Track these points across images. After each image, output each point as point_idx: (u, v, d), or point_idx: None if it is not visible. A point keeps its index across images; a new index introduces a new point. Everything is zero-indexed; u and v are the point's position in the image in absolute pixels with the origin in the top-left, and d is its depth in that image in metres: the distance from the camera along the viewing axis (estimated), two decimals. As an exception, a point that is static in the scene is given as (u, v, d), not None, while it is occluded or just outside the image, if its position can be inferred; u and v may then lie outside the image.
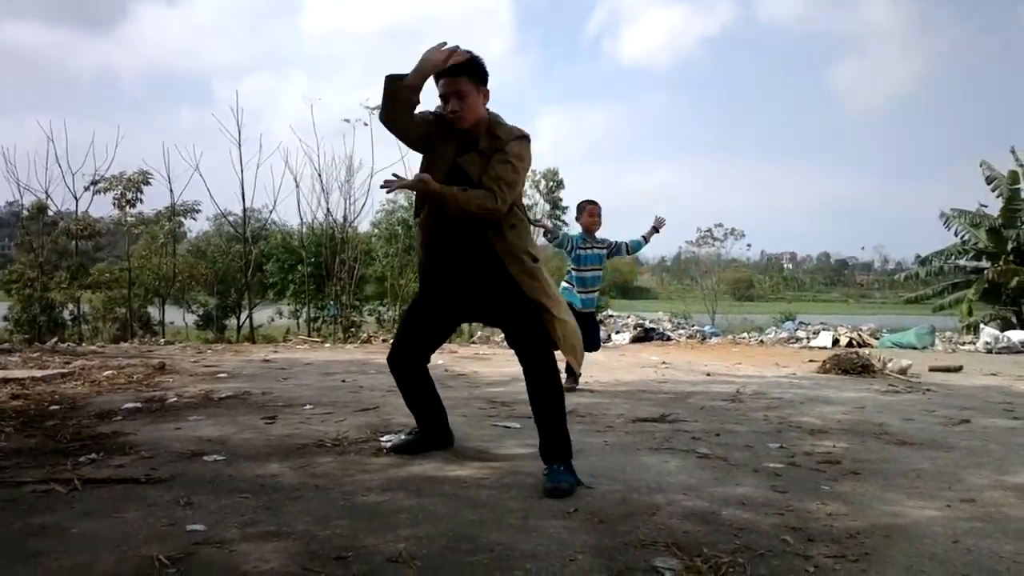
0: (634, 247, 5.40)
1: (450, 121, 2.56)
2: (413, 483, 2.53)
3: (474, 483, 2.54)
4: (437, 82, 2.55)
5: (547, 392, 2.58)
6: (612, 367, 6.80)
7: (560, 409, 2.58)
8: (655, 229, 5.47)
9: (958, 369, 7.09)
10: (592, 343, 5.01)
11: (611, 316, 15.19)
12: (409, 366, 2.86)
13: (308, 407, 4.11)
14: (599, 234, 5.26)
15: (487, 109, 2.61)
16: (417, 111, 2.55)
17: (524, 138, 2.61)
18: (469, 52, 2.52)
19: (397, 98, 2.45)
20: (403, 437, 3.06)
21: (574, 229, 5.43)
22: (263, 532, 2.01)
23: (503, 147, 2.55)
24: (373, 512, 2.21)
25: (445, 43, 2.44)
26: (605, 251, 5.29)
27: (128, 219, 14.27)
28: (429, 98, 2.56)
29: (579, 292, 5.15)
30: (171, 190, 13.62)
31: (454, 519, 2.15)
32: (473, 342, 11.06)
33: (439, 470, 2.72)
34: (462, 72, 2.52)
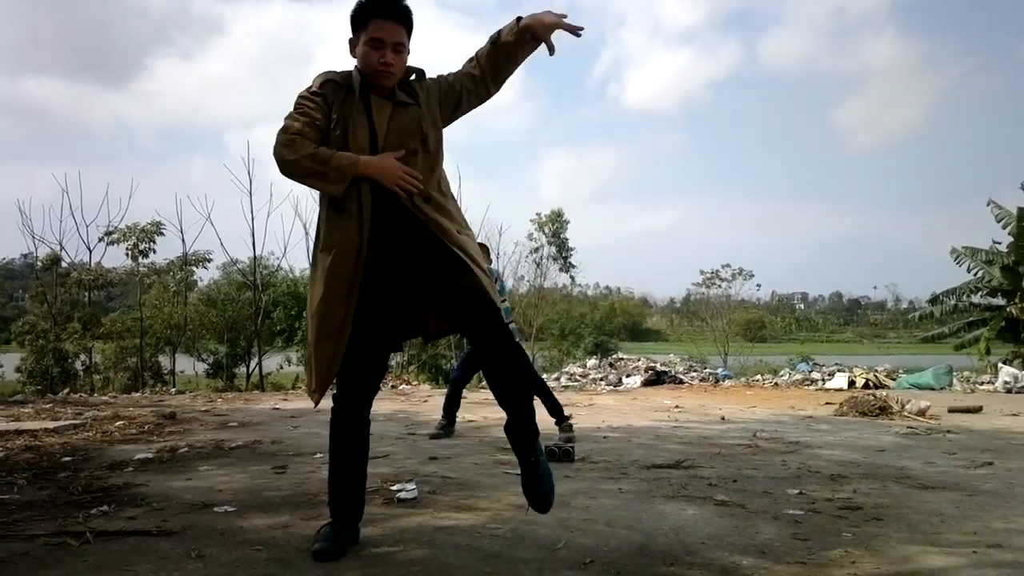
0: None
1: (373, 73, 2.17)
2: (425, 534, 2.49)
3: (487, 533, 2.50)
4: (366, 25, 2.16)
5: (514, 363, 2.25)
6: (624, 411, 6.73)
7: (527, 382, 2.30)
8: None
9: (978, 410, 6.98)
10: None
11: (621, 359, 15.12)
12: (357, 414, 2.29)
13: (318, 455, 4.09)
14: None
15: None
16: (304, 113, 2.15)
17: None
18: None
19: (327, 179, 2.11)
20: (320, 538, 2.24)
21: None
22: (275, 586, 1.98)
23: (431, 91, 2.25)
24: (386, 563, 2.17)
25: None
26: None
27: (140, 269, 14.45)
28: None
29: None
30: (183, 240, 13.84)
31: (467, 571, 2.11)
32: (483, 387, 11.00)
33: (451, 520, 2.68)
34: (407, 21, 2.20)
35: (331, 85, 2.21)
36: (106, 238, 13.72)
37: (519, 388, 2.28)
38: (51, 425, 5.18)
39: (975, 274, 16.27)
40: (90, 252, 13.69)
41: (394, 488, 3.12)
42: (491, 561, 2.20)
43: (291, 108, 2.20)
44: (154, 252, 14.27)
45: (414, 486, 3.14)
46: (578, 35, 2.29)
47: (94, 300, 14.84)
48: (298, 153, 2.11)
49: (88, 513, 2.71)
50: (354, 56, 2.25)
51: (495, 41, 2.29)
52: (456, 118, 2.38)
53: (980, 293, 16.43)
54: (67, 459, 3.89)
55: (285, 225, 16.55)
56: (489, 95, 2.37)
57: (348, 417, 2.30)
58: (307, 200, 13.84)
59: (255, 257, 13.84)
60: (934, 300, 17.27)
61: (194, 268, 15.34)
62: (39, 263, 14.04)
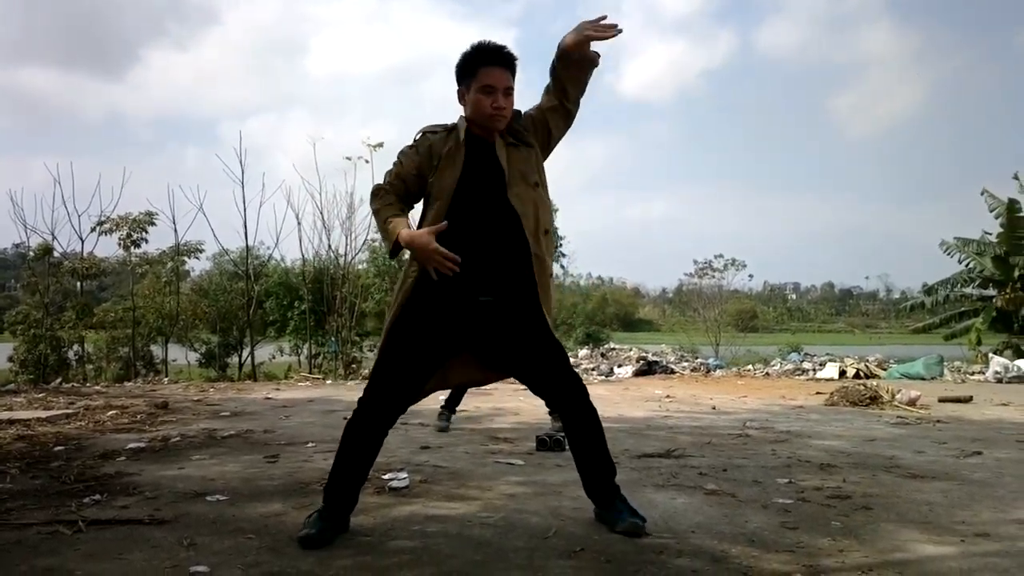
0: None
1: (487, 118, 2.31)
2: (417, 522, 2.50)
3: (478, 522, 2.52)
4: (475, 73, 2.29)
5: (597, 423, 2.40)
6: (615, 401, 6.75)
7: (606, 446, 2.44)
8: None
9: (968, 400, 7.03)
10: None
11: (613, 349, 15.17)
12: (385, 428, 2.36)
13: (311, 445, 4.09)
14: None
15: None
16: (396, 165, 2.40)
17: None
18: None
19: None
20: (308, 525, 2.28)
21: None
22: (266, 573, 1.99)
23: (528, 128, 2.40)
24: (377, 551, 2.18)
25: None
26: None
27: (133, 259, 14.37)
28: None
29: None
30: (175, 230, 13.75)
31: (458, 559, 2.12)
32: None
33: (442, 509, 2.69)
34: (513, 66, 2.33)
35: (428, 136, 2.39)
36: (98, 228, 13.63)
37: (603, 455, 2.42)
38: (44, 414, 5.17)
39: (966, 265, 16.36)
40: (82, 242, 13.58)
41: (386, 477, 3.13)
42: (482, 549, 2.21)
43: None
44: (146, 242, 14.18)
45: (406, 475, 3.15)
46: (614, 35, 2.26)
47: (86, 290, 14.76)
48: (374, 204, 2.42)
49: (81, 502, 2.71)
50: (462, 104, 2.39)
51: (552, 69, 2.39)
52: (552, 147, 2.48)
53: (972, 284, 16.52)
54: (60, 448, 3.88)
55: (277, 215, 16.40)
56: (571, 114, 2.46)
57: (373, 426, 2.34)
58: (299, 191, 13.80)
59: (247, 247, 13.78)
60: (929, 291, 17.36)
61: (186, 258, 15.26)
62: (31, 253, 13.94)
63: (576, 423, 2.40)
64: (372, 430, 2.34)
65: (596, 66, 2.38)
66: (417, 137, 2.41)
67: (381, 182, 2.44)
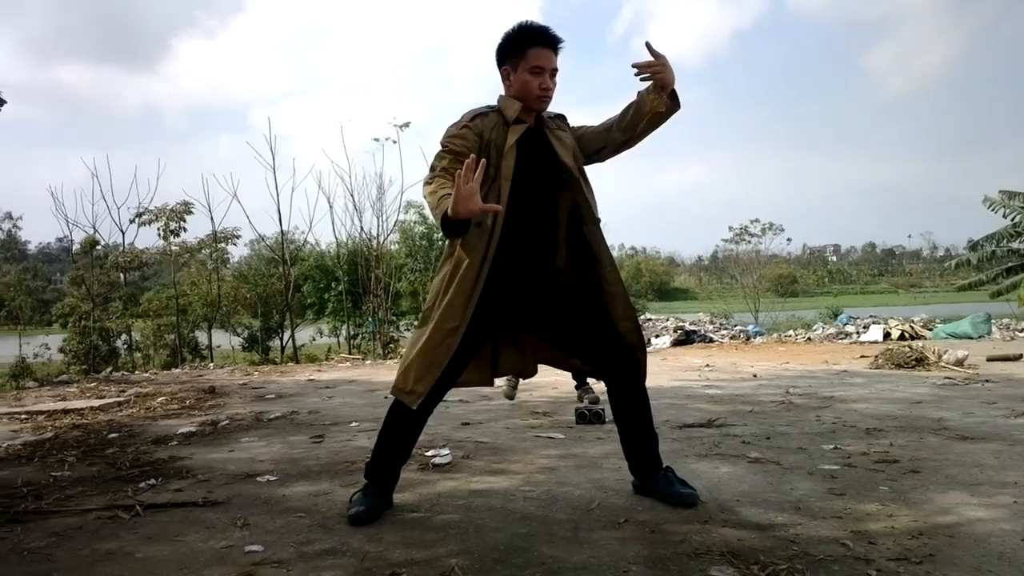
0: None
1: (535, 99, 2.31)
2: (461, 497, 2.54)
3: (521, 496, 2.54)
4: (523, 53, 2.28)
5: (645, 396, 2.41)
6: (654, 372, 6.72)
7: (652, 423, 2.45)
8: None
9: (1018, 358, 6.84)
10: None
11: (650, 319, 15.04)
12: (430, 411, 2.36)
13: (354, 424, 4.17)
14: None
15: None
16: (451, 151, 2.26)
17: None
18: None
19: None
20: (356, 503, 2.33)
21: None
22: (318, 551, 2.04)
23: (572, 132, 2.44)
24: (424, 527, 2.22)
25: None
26: None
27: (173, 248, 14.71)
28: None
29: None
30: (211, 218, 14.03)
31: (504, 532, 2.15)
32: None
33: (485, 484, 2.72)
34: (559, 49, 2.32)
35: (479, 119, 2.32)
36: (137, 219, 13.97)
37: (647, 427, 2.41)
38: (96, 403, 5.36)
39: (1012, 219, 15.78)
40: (123, 234, 13.96)
41: (428, 454, 3.17)
42: (526, 522, 2.23)
43: (439, 147, 2.32)
44: (185, 231, 14.51)
45: (448, 451, 3.20)
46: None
47: (130, 280, 15.19)
48: (429, 188, 2.23)
49: (136, 487, 2.81)
50: (507, 84, 2.36)
51: (637, 107, 2.36)
52: (592, 162, 2.47)
53: (1019, 239, 15.95)
54: (113, 436, 4.02)
55: (309, 200, 16.50)
56: (628, 147, 2.46)
57: (420, 410, 2.31)
58: (330, 174, 13.88)
59: (282, 232, 13.99)
60: (974, 246, 16.80)
61: (224, 245, 15.57)
62: (76, 246, 14.35)
63: (623, 394, 2.39)
64: (419, 411, 2.32)
65: (670, 114, 2.37)
66: (469, 120, 2.33)
67: (433, 171, 2.28)
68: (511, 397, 4.70)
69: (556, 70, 2.33)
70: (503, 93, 2.38)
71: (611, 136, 2.43)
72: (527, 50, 2.29)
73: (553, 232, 2.39)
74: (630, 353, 2.38)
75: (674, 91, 2.32)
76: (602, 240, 2.39)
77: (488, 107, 2.38)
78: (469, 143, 2.26)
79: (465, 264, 2.23)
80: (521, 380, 4.91)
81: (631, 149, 2.48)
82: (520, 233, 2.30)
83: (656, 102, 2.30)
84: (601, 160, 2.49)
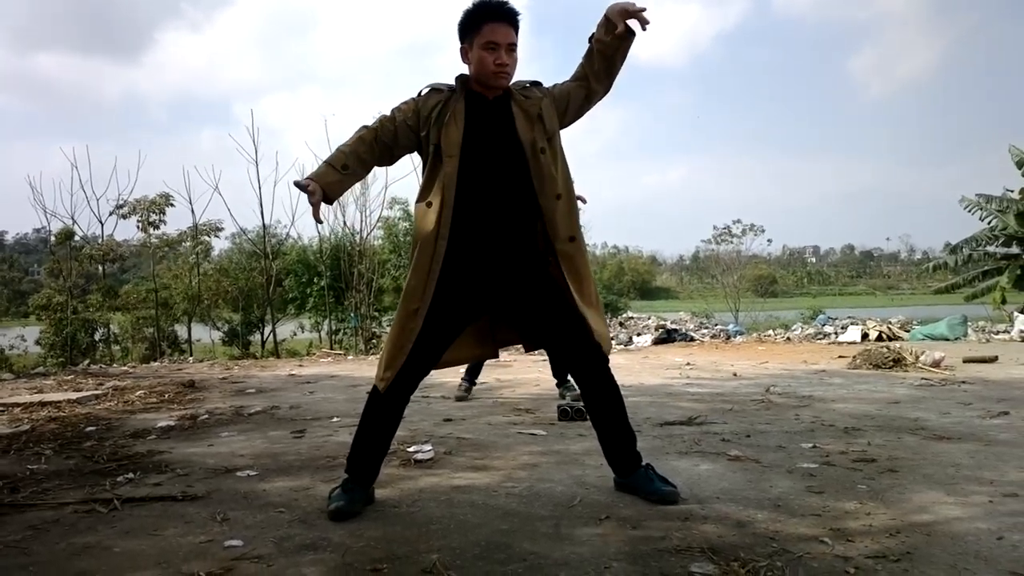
0: None
1: (490, 75, 2.26)
2: (443, 493, 2.53)
3: (503, 491, 2.54)
4: (478, 29, 2.24)
5: (617, 393, 2.39)
6: (635, 370, 6.76)
7: (626, 415, 2.44)
8: None
9: (993, 360, 6.95)
10: None
11: (631, 318, 15.13)
12: (405, 399, 2.36)
13: (335, 419, 4.15)
14: None
15: None
16: (400, 111, 2.31)
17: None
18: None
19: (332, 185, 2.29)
20: (336, 498, 2.31)
21: None
22: (299, 546, 2.03)
23: (545, 95, 2.33)
24: (405, 522, 2.21)
25: None
26: None
27: (152, 241, 14.54)
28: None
29: None
30: (192, 211, 13.88)
31: (485, 528, 2.15)
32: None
33: (467, 480, 2.72)
34: (517, 22, 2.27)
35: (434, 93, 2.34)
36: (117, 211, 13.79)
37: (623, 424, 2.41)
38: (74, 396, 5.28)
39: (988, 223, 16.02)
40: (102, 225, 13.78)
41: (410, 449, 3.17)
42: (508, 518, 2.24)
43: None
44: (164, 224, 14.35)
45: (430, 447, 3.19)
46: (643, 28, 2.23)
47: (108, 272, 14.98)
48: (354, 132, 2.35)
49: (114, 480, 2.78)
50: (466, 62, 2.33)
51: (590, 39, 2.32)
52: (568, 121, 2.41)
53: (996, 242, 16.21)
54: (91, 429, 3.97)
55: (292, 193, 16.32)
56: (592, 93, 2.39)
57: (393, 397, 2.32)
58: (312, 168, 13.77)
59: (264, 226, 13.88)
60: (952, 250, 17.04)
61: (207, 238, 15.40)
62: (53, 238, 14.13)
63: (595, 393, 2.39)
64: (394, 400, 2.33)
65: (630, 39, 2.29)
66: (419, 95, 2.35)
67: (373, 120, 2.35)
68: (464, 399, 4.77)
69: (514, 44, 2.26)
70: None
71: (591, 87, 2.36)
72: (482, 25, 2.25)
73: (520, 210, 2.29)
74: (596, 351, 2.34)
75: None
76: (565, 214, 2.29)
77: (447, 85, 2.36)
78: (407, 116, 2.31)
79: (419, 245, 2.26)
80: (478, 384, 4.97)
81: (606, 97, 2.42)
82: (478, 211, 2.25)
83: (619, 29, 2.23)
84: (572, 117, 2.40)
